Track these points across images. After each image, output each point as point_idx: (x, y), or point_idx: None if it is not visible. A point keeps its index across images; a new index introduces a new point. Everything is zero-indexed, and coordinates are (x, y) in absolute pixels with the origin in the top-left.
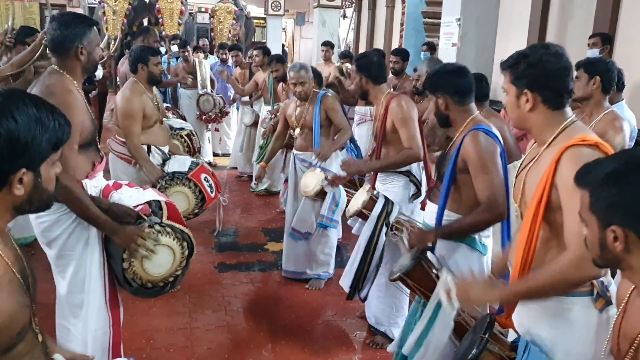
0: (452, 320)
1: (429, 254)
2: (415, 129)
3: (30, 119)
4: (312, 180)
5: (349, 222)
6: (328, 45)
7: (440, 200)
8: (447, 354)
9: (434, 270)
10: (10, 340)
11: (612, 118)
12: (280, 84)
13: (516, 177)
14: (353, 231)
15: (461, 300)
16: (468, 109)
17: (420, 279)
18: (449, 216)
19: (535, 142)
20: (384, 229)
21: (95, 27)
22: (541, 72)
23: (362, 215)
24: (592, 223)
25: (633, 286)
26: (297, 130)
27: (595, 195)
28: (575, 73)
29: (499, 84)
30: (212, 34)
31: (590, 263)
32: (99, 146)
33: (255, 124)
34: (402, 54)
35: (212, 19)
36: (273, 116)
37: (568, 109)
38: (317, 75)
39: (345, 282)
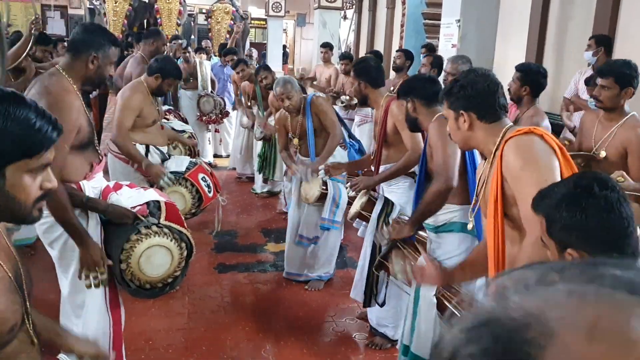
0: (434, 297)
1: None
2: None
3: (1, 117)
4: (311, 187)
5: (354, 224)
6: (327, 46)
7: (414, 195)
8: None
9: (412, 253)
10: (0, 338)
11: (635, 124)
12: (272, 92)
13: (477, 195)
14: (358, 234)
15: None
16: (434, 110)
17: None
18: None
19: (485, 161)
20: (385, 230)
21: (116, 48)
22: (471, 92)
23: (362, 216)
24: (552, 246)
25: None
26: (296, 141)
27: (550, 220)
28: (599, 80)
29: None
30: (210, 34)
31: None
32: (97, 147)
33: (253, 126)
34: (406, 52)
35: (209, 20)
36: (263, 128)
37: (505, 119)
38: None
39: (356, 293)
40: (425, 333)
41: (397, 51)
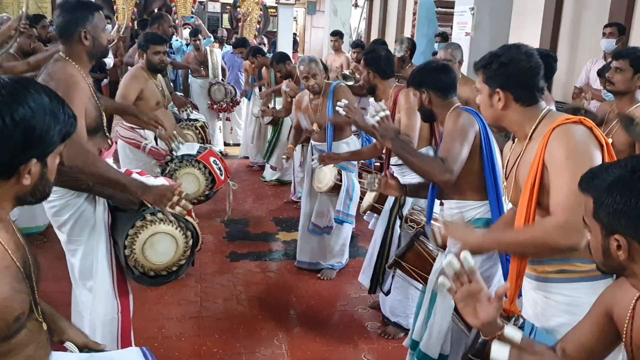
0: (453, 301)
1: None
2: (417, 120)
3: (44, 109)
4: (325, 176)
5: (364, 217)
6: (337, 35)
7: (429, 191)
8: (457, 341)
9: (430, 252)
10: (7, 326)
11: None
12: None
13: (506, 178)
14: (369, 227)
15: (449, 235)
16: (450, 102)
17: (414, 261)
18: (450, 204)
19: (514, 142)
20: (398, 222)
21: (99, 12)
22: (513, 71)
23: (375, 209)
24: (596, 230)
25: (638, 293)
26: (315, 126)
27: (599, 202)
28: (614, 63)
29: None
30: (241, 24)
31: (574, 232)
32: (107, 133)
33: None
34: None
35: (239, 10)
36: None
37: (542, 102)
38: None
39: (364, 278)
40: (437, 335)
41: (395, 42)
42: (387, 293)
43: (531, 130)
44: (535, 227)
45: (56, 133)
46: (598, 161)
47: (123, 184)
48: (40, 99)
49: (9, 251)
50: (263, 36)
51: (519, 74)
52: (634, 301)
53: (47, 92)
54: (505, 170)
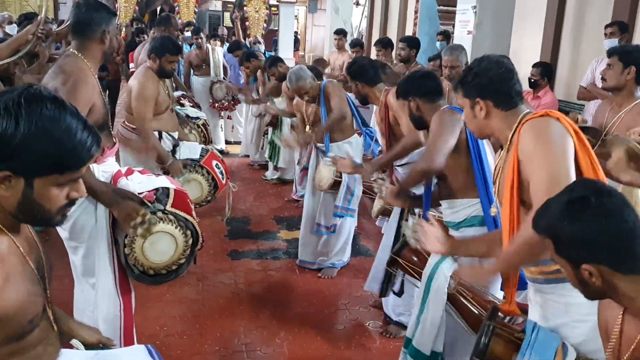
0: (445, 293)
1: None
2: None
3: (35, 127)
4: (324, 174)
5: (377, 222)
6: (341, 33)
7: (425, 189)
8: (451, 343)
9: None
10: (21, 328)
11: None
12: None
13: (494, 183)
14: (377, 223)
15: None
16: (438, 105)
17: (410, 258)
18: (444, 204)
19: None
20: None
21: (114, 16)
22: (486, 80)
23: (386, 212)
24: (564, 264)
25: (623, 308)
26: (307, 128)
27: (556, 240)
28: (607, 60)
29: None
30: (247, 23)
31: None
32: (111, 131)
33: (263, 115)
34: (409, 41)
35: (245, 8)
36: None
37: (521, 106)
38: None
39: (373, 286)
40: (430, 329)
41: (400, 41)
42: (400, 294)
43: (511, 134)
44: (523, 230)
45: (41, 156)
46: (568, 147)
47: (94, 191)
48: (38, 115)
49: (24, 253)
50: (257, 35)
51: (493, 81)
52: (620, 315)
53: (59, 114)
54: (493, 176)
